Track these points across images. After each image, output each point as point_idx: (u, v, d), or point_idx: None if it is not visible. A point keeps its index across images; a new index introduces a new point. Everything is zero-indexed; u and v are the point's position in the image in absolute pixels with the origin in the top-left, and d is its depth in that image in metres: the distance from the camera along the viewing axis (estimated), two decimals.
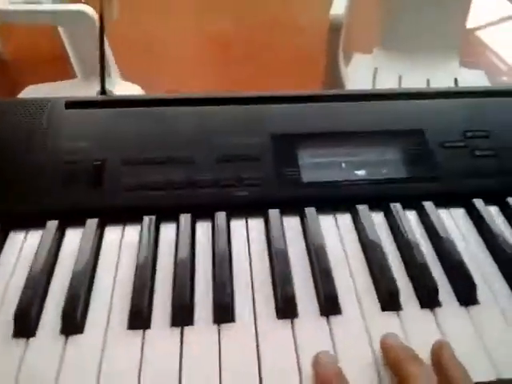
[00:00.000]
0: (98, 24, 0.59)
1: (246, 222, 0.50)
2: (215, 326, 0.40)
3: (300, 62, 1.96)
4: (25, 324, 0.40)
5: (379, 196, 0.51)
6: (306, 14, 2.17)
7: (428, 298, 0.42)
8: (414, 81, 1.32)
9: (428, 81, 1.32)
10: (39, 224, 0.49)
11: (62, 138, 0.54)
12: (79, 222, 0.49)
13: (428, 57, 1.36)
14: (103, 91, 0.59)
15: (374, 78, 1.33)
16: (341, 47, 1.19)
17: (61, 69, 1.42)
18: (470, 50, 1.87)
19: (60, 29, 1.34)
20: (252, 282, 0.44)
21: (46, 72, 1.57)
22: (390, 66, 1.37)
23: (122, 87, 1.36)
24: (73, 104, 0.58)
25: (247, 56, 2.07)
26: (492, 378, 0.36)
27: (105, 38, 1.38)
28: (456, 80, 1.29)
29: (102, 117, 0.56)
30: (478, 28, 2.22)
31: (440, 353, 0.36)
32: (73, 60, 1.38)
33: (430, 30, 1.35)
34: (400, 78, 1.34)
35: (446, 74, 1.32)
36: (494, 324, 0.40)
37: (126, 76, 1.42)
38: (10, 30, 1.95)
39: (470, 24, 1.44)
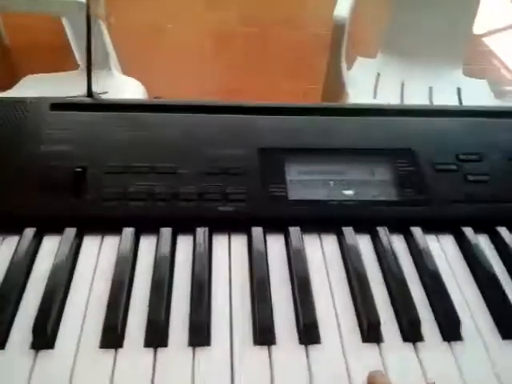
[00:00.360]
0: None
1: (229, 238, 0.49)
2: (190, 349, 0.39)
3: (302, 63, 1.94)
4: None
5: (366, 218, 0.49)
6: (313, 13, 2.14)
7: (410, 331, 0.40)
8: (417, 88, 1.30)
9: (430, 89, 1.30)
10: (16, 230, 0.47)
11: (45, 141, 0.52)
12: (57, 230, 0.47)
13: (432, 64, 1.34)
14: (90, 93, 0.57)
15: (376, 83, 1.31)
16: (344, 49, 1.17)
17: (64, 58, 1.40)
18: (475, 57, 1.84)
19: (62, 18, 1.32)
20: (231, 305, 0.42)
21: (48, 61, 1.55)
22: (393, 71, 1.34)
23: (121, 82, 1.33)
24: (58, 106, 0.56)
25: (249, 53, 2.04)
26: None
27: (105, 30, 1.36)
28: (459, 90, 1.27)
29: (87, 121, 0.54)
30: (484, 35, 2.18)
31: None
32: (75, 50, 1.36)
33: (434, 37, 1.32)
34: (402, 84, 1.32)
35: (448, 83, 1.30)
36: (477, 362, 0.39)
37: (127, 68, 1.40)
38: (14, 16, 1.93)
39: (476, 31, 1.41)
